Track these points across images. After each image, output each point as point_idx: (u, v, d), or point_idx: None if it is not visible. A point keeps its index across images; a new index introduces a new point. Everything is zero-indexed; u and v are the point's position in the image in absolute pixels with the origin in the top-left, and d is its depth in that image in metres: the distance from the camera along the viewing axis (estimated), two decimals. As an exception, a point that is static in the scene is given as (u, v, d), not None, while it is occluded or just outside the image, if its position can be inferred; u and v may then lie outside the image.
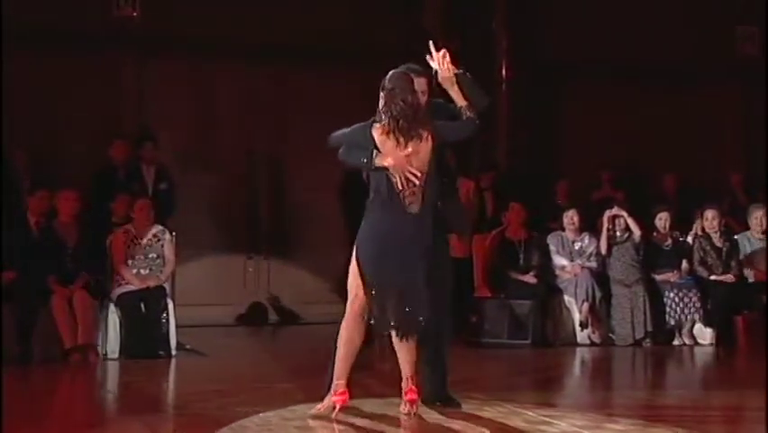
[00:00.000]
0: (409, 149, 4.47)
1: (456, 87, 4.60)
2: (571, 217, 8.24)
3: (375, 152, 4.48)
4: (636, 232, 8.06)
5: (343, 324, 4.63)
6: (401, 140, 4.47)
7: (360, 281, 4.53)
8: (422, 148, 4.49)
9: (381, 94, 4.55)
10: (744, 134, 10.18)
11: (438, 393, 4.77)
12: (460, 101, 4.61)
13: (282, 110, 9.09)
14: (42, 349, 6.53)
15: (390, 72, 4.58)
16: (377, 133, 4.50)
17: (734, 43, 10.12)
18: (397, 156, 4.46)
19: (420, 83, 4.67)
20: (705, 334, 7.90)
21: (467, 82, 4.63)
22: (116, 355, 6.76)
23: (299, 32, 8.80)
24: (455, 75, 4.61)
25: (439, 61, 4.58)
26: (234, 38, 8.71)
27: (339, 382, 4.57)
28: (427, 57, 4.60)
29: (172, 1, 8.63)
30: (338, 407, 4.54)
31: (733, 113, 10.21)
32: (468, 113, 4.58)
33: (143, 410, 4.94)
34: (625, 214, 8.11)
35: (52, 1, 8.17)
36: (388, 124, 4.48)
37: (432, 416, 4.63)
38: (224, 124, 9.05)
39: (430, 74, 4.74)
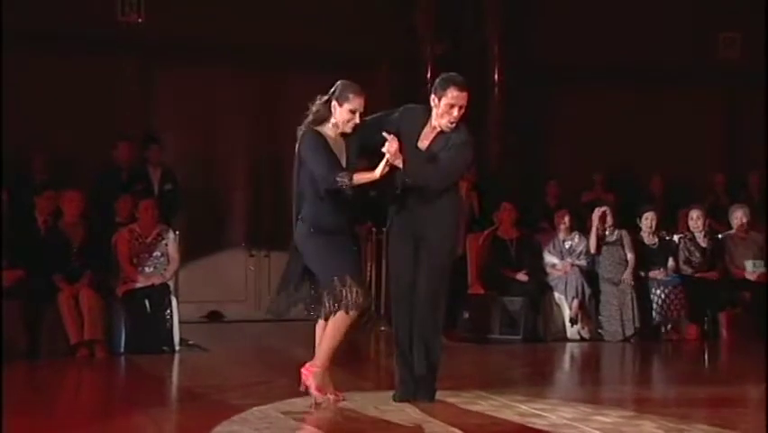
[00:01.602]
0: None
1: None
2: (561, 217, 8.25)
3: None
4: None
5: None
6: None
7: None
8: None
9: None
10: (727, 136, 10.19)
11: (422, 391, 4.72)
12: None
13: (283, 112, 9.07)
14: (49, 345, 6.52)
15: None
16: None
17: (716, 48, 10.12)
18: None
19: (465, 97, 4.60)
20: (690, 330, 7.91)
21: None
22: (121, 351, 6.74)
23: (299, 36, 8.80)
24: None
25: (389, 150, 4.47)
26: (236, 42, 8.71)
27: None
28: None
29: (176, 7, 8.62)
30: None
31: (716, 115, 10.22)
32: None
33: (148, 404, 4.94)
34: (608, 210, 8.13)
35: (59, 6, 8.15)
36: None
37: (423, 408, 4.62)
38: (226, 126, 9.04)
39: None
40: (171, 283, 7.10)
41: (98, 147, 8.15)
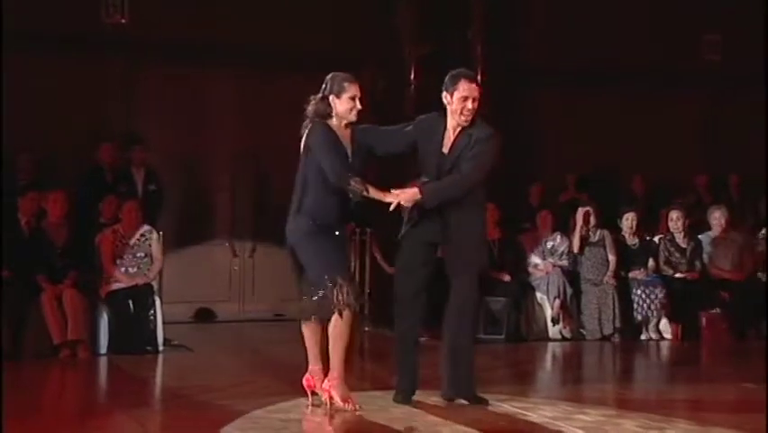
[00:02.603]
0: None
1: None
2: (544, 218, 8.27)
3: None
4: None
5: None
6: None
7: None
8: None
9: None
10: (708, 138, 10.24)
11: (463, 391, 4.69)
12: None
13: (267, 112, 9.06)
14: (33, 345, 6.47)
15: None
16: None
17: (699, 51, 10.17)
18: None
19: (474, 90, 4.60)
20: (670, 329, 7.96)
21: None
22: (105, 351, 6.69)
23: (283, 36, 8.79)
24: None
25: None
26: (219, 43, 8.69)
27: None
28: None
29: (160, 8, 8.58)
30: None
31: (698, 117, 10.27)
32: None
33: (131, 404, 4.90)
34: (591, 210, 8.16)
35: (43, 8, 8.09)
36: None
37: (405, 409, 4.61)
38: (210, 126, 9.01)
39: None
40: (155, 283, 7.07)
41: (83, 148, 8.10)
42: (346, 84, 4.61)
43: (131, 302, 6.82)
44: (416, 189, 4.52)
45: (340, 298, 4.43)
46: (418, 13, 9.06)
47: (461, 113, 4.57)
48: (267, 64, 8.98)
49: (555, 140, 9.73)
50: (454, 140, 4.63)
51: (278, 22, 8.81)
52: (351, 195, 4.48)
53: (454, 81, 4.59)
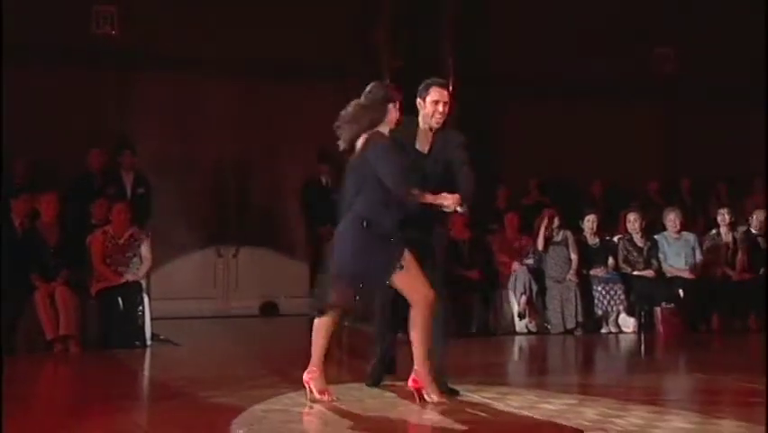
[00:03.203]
0: None
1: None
2: (510, 219, 8.34)
3: None
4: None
5: None
6: None
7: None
8: None
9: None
10: (662, 145, 10.36)
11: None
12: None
13: (250, 120, 9.07)
14: (26, 341, 6.43)
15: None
16: None
17: (652, 63, 10.30)
18: None
19: (444, 94, 4.66)
20: (628, 323, 8.03)
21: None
22: (95, 346, 6.66)
23: (267, 48, 8.80)
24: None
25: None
26: (205, 54, 8.68)
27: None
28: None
29: (149, 20, 8.56)
30: None
31: (653, 125, 10.39)
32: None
33: (120, 396, 4.89)
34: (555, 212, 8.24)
35: (37, 21, 8.04)
36: None
37: (376, 401, 4.64)
38: (196, 132, 9.00)
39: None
40: (143, 282, 7.04)
41: (76, 153, 8.06)
42: (432, 88, 4.62)
43: (120, 299, 6.80)
44: (457, 195, 4.49)
45: (327, 299, 4.38)
46: (393, 28, 9.11)
47: (433, 115, 4.65)
48: (251, 74, 8.98)
49: (519, 146, 9.81)
50: (431, 141, 4.70)
51: (262, 34, 8.81)
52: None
53: (427, 87, 4.69)
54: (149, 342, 6.82)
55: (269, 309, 9.06)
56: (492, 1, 9.47)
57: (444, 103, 4.65)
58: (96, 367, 6.22)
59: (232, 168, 9.24)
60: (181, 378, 5.43)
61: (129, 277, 6.89)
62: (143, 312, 6.86)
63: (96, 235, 7.00)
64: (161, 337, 7.01)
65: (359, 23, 9.18)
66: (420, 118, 4.72)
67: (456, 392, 4.71)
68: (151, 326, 6.91)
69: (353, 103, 4.51)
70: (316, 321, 4.55)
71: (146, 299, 6.93)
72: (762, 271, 8.42)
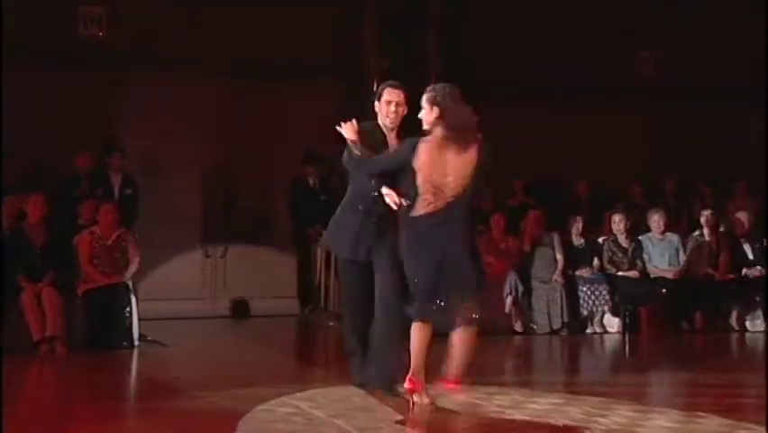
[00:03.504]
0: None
1: None
2: (496, 221, 8.27)
3: None
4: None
5: None
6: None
7: None
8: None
9: (433, 108, 4.40)
10: (646, 147, 10.34)
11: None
12: None
13: (237, 121, 9.00)
14: (13, 341, 6.31)
15: (439, 87, 4.48)
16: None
17: (635, 66, 10.26)
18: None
19: (396, 94, 4.67)
20: (613, 323, 7.99)
21: None
22: (82, 346, 6.55)
23: (253, 48, 8.73)
24: None
25: None
26: (192, 55, 8.62)
27: None
28: None
29: (136, 21, 8.48)
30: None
31: (637, 128, 10.37)
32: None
33: (106, 397, 4.80)
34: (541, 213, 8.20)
35: (23, 21, 7.93)
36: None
37: (372, 399, 4.56)
38: (183, 133, 8.91)
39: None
40: (131, 283, 6.94)
41: (65, 154, 7.99)
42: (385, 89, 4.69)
43: (107, 300, 6.70)
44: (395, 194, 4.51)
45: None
46: (380, 29, 9.06)
47: (387, 116, 4.70)
48: (237, 74, 8.91)
49: (506, 147, 9.71)
50: (398, 143, 4.69)
51: (248, 34, 8.74)
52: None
53: (381, 90, 4.77)
54: (136, 342, 6.72)
55: (240, 309, 8.95)
56: (478, 3, 9.41)
57: (397, 103, 4.69)
58: (83, 368, 6.12)
59: (219, 168, 9.16)
60: (169, 379, 5.36)
61: (115, 278, 6.78)
62: (131, 313, 6.77)
63: (83, 236, 6.90)
64: (149, 338, 6.91)
65: (346, 23, 9.12)
66: (379, 120, 4.75)
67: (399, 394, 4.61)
68: (139, 326, 6.82)
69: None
70: (421, 327, 4.44)
71: (133, 300, 6.83)
72: (743, 271, 8.40)
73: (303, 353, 7.14)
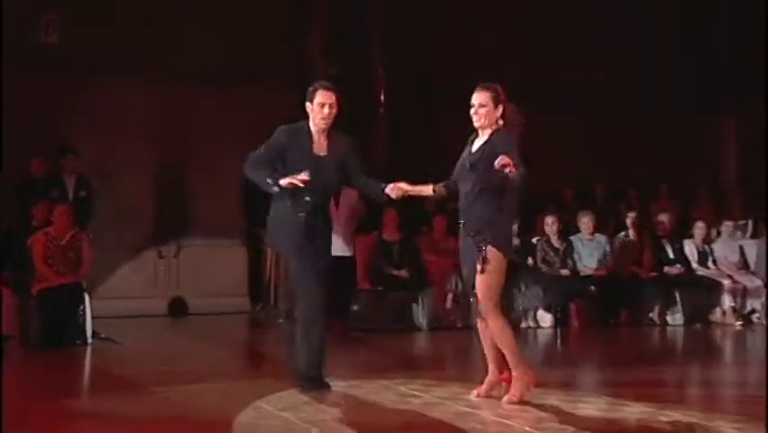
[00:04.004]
0: None
1: None
2: (438, 222, 8.38)
3: None
4: None
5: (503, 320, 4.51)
6: None
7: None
8: None
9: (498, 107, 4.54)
10: (578, 153, 10.53)
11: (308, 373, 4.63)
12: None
13: (188, 123, 8.94)
14: (-33, 340, 6.20)
15: (498, 88, 4.62)
16: None
17: (563, 76, 10.40)
18: None
19: (329, 97, 4.67)
20: (546, 318, 8.17)
21: None
22: (37, 345, 6.44)
23: (202, 54, 8.68)
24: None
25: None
26: (145, 59, 8.52)
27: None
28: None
29: (90, 28, 8.35)
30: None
31: (569, 135, 10.56)
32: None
33: (60, 395, 4.75)
34: None
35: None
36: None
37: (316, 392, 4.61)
38: (137, 136, 8.82)
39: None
40: (84, 282, 6.86)
41: (17, 157, 7.82)
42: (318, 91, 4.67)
43: (61, 299, 6.60)
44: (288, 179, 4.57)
45: None
46: (328, 36, 9.09)
47: (322, 117, 4.68)
48: (188, 79, 8.84)
49: (449, 150, 9.84)
50: (327, 145, 4.72)
51: (198, 40, 8.69)
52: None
53: (314, 91, 4.73)
54: (89, 340, 6.64)
55: (178, 307, 8.88)
56: (424, 9, 9.51)
57: (331, 105, 4.68)
58: (39, 367, 6.02)
59: (173, 170, 9.08)
60: (123, 375, 5.31)
61: (70, 278, 6.69)
62: (84, 311, 6.68)
63: (37, 237, 6.79)
64: (102, 336, 6.83)
65: (294, 28, 9.12)
66: (311, 121, 4.73)
67: (327, 386, 4.64)
68: (93, 325, 6.73)
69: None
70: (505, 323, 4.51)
71: (87, 299, 6.75)
72: (665, 269, 8.67)
73: (253, 349, 7.16)
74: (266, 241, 4.78)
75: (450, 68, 9.58)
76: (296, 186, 4.50)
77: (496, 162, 4.27)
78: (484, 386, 4.58)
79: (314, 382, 4.61)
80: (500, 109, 4.61)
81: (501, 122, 4.58)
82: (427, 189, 4.87)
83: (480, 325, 4.64)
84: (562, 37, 10.05)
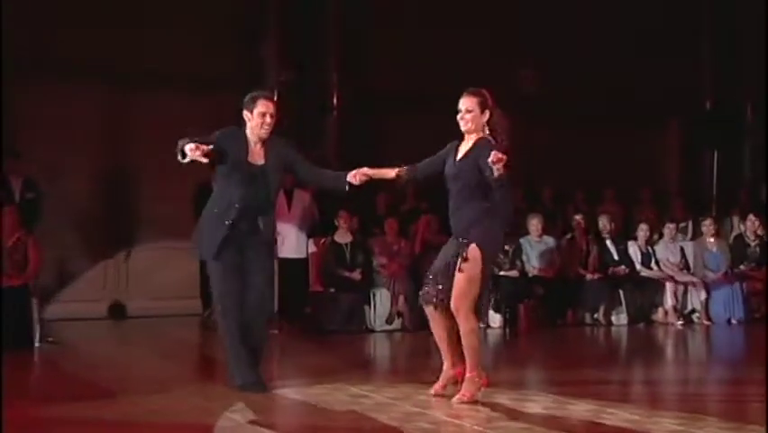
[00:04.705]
0: None
1: None
2: (390, 224, 8.40)
3: None
4: None
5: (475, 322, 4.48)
6: None
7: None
8: None
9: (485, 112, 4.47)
10: (526, 157, 10.61)
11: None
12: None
13: (138, 127, 8.80)
14: None
15: (485, 93, 4.55)
16: None
17: (515, 83, 10.53)
18: None
19: (270, 106, 4.63)
20: (495, 319, 8.25)
21: None
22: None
23: (153, 58, 8.56)
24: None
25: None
26: (95, 63, 8.37)
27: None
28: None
29: (37, 28, 8.16)
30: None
31: (517, 139, 10.65)
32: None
33: (22, 400, 4.62)
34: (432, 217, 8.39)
35: None
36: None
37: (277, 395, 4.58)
38: (87, 139, 8.65)
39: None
40: (31, 284, 6.69)
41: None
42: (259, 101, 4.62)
43: (7, 302, 6.43)
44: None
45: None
46: (282, 43, 9.04)
47: (262, 126, 4.64)
48: (145, 82, 8.71)
49: (400, 156, 9.85)
50: (264, 152, 4.67)
51: (149, 44, 8.56)
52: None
53: (254, 100, 4.68)
54: (36, 344, 6.47)
55: (117, 311, 8.75)
56: (379, 18, 9.52)
57: (271, 115, 4.65)
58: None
59: (124, 173, 8.93)
60: (69, 379, 5.19)
61: (16, 280, 6.53)
62: (31, 314, 6.51)
63: (-19, 239, 6.59)
64: (49, 339, 6.67)
65: (247, 36, 9.05)
66: (248, 130, 4.67)
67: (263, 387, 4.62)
68: (40, 328, 6.56)
69: None
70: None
71: (34, 302, 6.59)
72: (609, 270, 8.82)
73: (201, 351, 7.07)
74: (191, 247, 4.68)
75: (404, 74, 9.62)
76: (200, 161, 4.38)
77: (491, 156, 4.22)
78: (440, 381, 4.58)
79: (252, 386, 4.56)
80: (487, 114, 4.56)
81: (487, 128, 4.55)
82: (390, 173, 4.79)
83: (431, 314, 4.57)
84: (516, 41, 10.15)
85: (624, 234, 9.30)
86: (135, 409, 4.31)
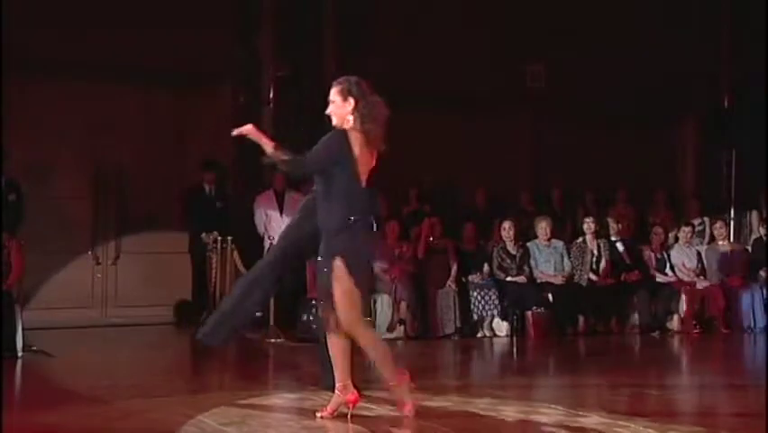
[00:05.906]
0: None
1: None
2: (391, 228, 8.37)
3: None
4: None
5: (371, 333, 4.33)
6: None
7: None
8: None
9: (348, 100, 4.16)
10: (536, 157, 10.64)
11: None
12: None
13: (127, 125, 8.79)
14: None
15: (353, 79, 4.24)
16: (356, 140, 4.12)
17: (524, 78, 10.52)
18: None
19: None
20: (502, 327, 8.19)
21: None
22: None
23: (146, 53, 8.53)
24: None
25: None
26: (83, 60, 8.35)
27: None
28: None
29: (22, 26, 8.14)
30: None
31: (525, 138, 10.67)
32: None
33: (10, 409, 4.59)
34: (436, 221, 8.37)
35: None
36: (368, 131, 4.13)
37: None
38: (73, 139, 8.63)
39: None
40: (14, 291, 6.66)
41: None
42: None
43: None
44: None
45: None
46: (278, 37, 9.04)
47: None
48: (135, 80, 8.70)
49: (402, 157, 9.83)
50: None
51: (144, 39, 8.54)
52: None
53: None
54: (20, 353, 6.44)
55: (114, 316, 8.72)
56: (376, 12, 9.50)
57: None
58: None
59: (111, 175, 8.91)
60: (54, 389, 5.17)
61: (-2, 286, 6.50)
62: (15, 322, 6.47)
63: (-39, 243, 6.56)
64: (34, 348, 6.63)
65: (243, 31, 9.04)
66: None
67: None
68: (24, 336, 6.54)
69: None
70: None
71: (17, 309, 6.55)
72: (622, 276, 8.78)
73: (194, 359, 7.03)
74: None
75: (405, 71, 9.60)
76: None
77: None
78: (330, 405, 4.29)
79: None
80: (351, 102, 4.20)
81: (351, 118, 4.20)
82: (269, 145, 4.24)
83: (329, 338, 4.29)
84: (505, 44, 10.15)
85: (638, 238, 9.27)
86: (119, 416, 4.28)
